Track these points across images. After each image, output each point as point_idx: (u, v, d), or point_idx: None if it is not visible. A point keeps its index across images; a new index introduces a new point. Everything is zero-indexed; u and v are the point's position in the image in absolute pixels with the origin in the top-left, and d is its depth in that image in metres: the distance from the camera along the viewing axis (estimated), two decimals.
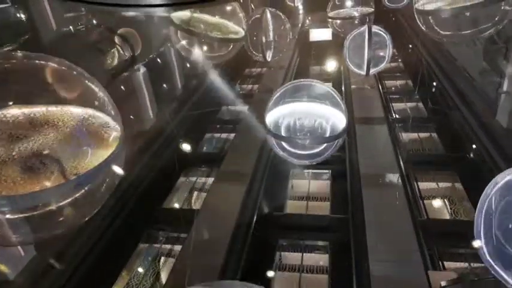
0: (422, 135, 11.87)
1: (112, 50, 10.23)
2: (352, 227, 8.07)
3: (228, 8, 4.78)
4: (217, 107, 14.29)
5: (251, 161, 9.89)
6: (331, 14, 8.42)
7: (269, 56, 6.81)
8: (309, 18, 23.87)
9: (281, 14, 6.62)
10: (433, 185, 9.66)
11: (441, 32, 3.80)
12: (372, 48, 5.29)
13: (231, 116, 14.25)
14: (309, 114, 3.05)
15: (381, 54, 5.54)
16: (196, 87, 13.86)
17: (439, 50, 13.46)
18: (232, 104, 14.47)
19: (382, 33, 5.57)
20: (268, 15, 6.64)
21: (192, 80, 13.94)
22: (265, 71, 17.17)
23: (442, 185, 9.61)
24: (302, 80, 3.18)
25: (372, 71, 5.48)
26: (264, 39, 6.41)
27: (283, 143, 3.02)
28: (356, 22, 8.10)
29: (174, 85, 13.44)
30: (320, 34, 22.23)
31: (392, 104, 13.96)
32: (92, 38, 10.37)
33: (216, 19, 4.62)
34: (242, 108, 14.00)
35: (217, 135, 13.10)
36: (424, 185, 9.60)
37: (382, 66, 5.66)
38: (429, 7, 3.61)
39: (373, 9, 8.18)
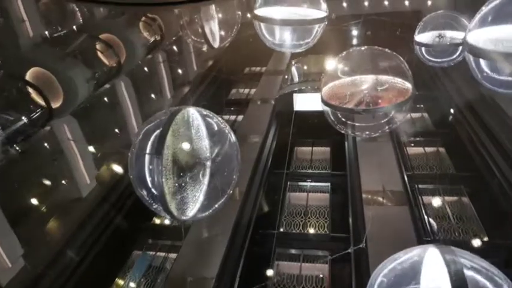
0: None
1: (94, 57, 9.02)
2: None
3: None
4: None
5: None
6: (326, 96, 3.76)
7: (190, 211, 3.08)
8: (298, 59, 15.22)
9: (225, 125, 2.88)
10: None
11: None
12: None
13: None
14: None
15: None
16: None
17: None
18: None
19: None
20: (198, 122, 2.91)
21: None
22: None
23: None
24: None
25: None
26: (172, 185, 2.72)
27: None
28: (384, 124, 4.20)
29: None
30: (311, 100, 11.69)
31: None
32: (71, 44, 8.81)
33: None
34: None
35: None
36: None
37: None
38: None
39: (411, 92, 4.26)
